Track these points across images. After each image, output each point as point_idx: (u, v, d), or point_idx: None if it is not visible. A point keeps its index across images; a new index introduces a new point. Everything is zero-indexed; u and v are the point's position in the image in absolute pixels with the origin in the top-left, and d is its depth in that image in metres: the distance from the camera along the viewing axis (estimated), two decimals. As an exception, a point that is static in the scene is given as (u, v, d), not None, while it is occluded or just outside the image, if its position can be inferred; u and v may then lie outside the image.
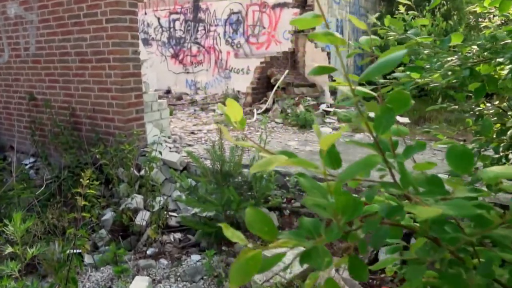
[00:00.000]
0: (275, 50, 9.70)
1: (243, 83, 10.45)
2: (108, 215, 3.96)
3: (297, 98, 7.39)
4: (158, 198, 3.94)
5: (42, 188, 3.80)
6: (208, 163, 4.64)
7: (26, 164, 5.72)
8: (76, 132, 5.06)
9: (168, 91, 12.10)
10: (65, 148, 4.85)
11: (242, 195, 3.95)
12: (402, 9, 3.26)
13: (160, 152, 4.22)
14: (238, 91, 10.44)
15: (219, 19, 11.05)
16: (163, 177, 4.47)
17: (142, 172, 4.44)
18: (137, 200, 3.89)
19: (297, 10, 9.47)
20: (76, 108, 5.16)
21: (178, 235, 3.82)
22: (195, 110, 9.11)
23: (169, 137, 5.34)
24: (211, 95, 10.76)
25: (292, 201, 4.07)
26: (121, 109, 4.69)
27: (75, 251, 2.98)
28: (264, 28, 10.25)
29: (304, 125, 6.39)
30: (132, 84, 4.73)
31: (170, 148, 5.02)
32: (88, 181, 2.44)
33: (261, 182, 3.77)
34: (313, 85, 8.35)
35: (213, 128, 6.49)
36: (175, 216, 4.02)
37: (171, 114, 5.41)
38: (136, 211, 3.93)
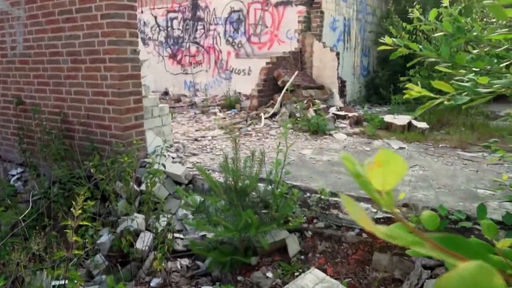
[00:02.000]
0: (278, 50, 9.24)
1: (244, 84, 10.01)
2: (105, 237, 3.46)
3: (305, 101, 6.92)
4: (162, 218, 3.45)
5: (29, 209, 3.29)
6: (216, 175, 4.16)
7: (13, 175, 5.20)
8: (68, 140, 4.56)
9: (166, 93, 11.62)
10: (55, 159, 4.34)
11: (257, 213, 3.48)
12: (445, 2, 2.78)
13: (164, 165, 3.72)
14: (239, 93, 9.96)
15: (219, 17, 10.57)
16: (166, 192, 3.97)
17: (143, 187, 3.94)
18: (138, 221, 3.39)
19: (301, 8, 8.99)
20: (68, 113, 4.65)
21: (185, 261, 3.33)
22: (195, 113, 8.62)
23: (171, 146, 4.84)
24: (211, 97, 10.26)
25: (314, 220, 3.59)
26: (119, 115, 4.19)
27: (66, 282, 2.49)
28: (266, 27, 9.78)
29: (316, 130, 5.91)
30: (131, 87, 4.23)
31: (173, 158, 4.52)
32: (80, 210, 1.94)
33: (281, 201, 3.29)
34: (321, 87, 7.88)
35: (217, 134, 6.00)
36: (182, 238, 3.52)
37: (171, 118, 4.96)
38: (137, 233, 3.43)
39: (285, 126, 3.43)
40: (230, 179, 3.18)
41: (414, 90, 1.53)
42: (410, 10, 6.76)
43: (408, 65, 3.80)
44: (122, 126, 4.20)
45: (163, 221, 3.47)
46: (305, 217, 3.50)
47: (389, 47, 2.65)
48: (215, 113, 8.39)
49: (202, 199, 3.94)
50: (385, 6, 11.14)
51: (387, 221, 3.36)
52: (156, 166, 3.72)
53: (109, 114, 4.25)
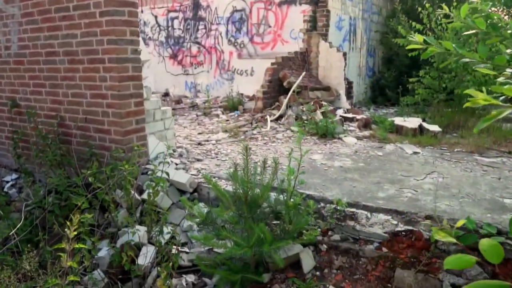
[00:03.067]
0: (281, 50, 9.00)
1: (247, 85, 9.79)
2: (104, 251, 3.21)
3: (312, 103, 6.67)
4: (165, 230, 3.19)
5: (22, 221, 3.03)
6: (222, 182, 3.91)
7: (7, 181, 4.94)
8: (65, 145, 4.30)
9: (166, 94, 11.38)
10: (51, 165, 4.09)
11: (268, 225, 3.23)
12: (476, -3, 2.52)
13: (167, 173, 3.47)
14: (242, 94, 9.71)
15: (221, 17, 10.34)
16: (169, 202, 3.72)
17: (145, 195, 3.69)
18: (140, 234, 3.14)
19: (306, 7, 8.74)
20: (65, 117, 4.40)
21: (191, 278, 3.08)
22: (197, 115, 8.37)
23: (174, 151, 4.59)
24: (213, 98, 10.01)
25: (329, 232, 3.34)
26: (119, 119, 3.94)
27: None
28: (269, 26, 9.55)
29: (324, 134, 5.66)
30: (132, 89, 3.98)
31: (176, 164, 4.27)
32: (75, 232, 1.69)
33: (294, 212, 3.04)
34: (327, 89, 7.63)
35: (221, 138, 5.74)
36: (187, 252, 3.27)
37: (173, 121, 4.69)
38: (138, 247, 3.18)
39: (300, 132, 3.16)
40: (240, 189, 2.93)
41: (479, 97, 1.28)
42: (420, 9, 6.50)
43: (440, 65, 3.55)
44: (122, 131, 3.95)
45: (166, 234, 3.22)
46: (319, 229, 3.25)
47: (418, 46, 2.40)
48: (217, 115, 8.15)
49: (208, 209, 3.69)
50: (390, 5, 10.91)
51: (409, 233, 3.12)
52: (158, 174, 3.47)
53: (109, 117, 4.00)
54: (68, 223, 1.85)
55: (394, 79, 9.88)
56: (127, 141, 3.99)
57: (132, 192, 3.56)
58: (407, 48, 2.43)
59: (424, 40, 2.28)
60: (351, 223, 3.29)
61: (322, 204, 3.42)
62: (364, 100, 9.85)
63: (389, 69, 10.06)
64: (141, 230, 3.19)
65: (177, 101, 10.31)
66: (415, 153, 4.93)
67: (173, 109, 9.60)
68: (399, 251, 3.06)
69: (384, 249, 3.08)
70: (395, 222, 3.16)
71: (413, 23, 6.98)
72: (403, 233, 3.11)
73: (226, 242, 2.83)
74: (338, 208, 3.33)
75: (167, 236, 3.25)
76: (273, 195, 3.18)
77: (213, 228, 2.99)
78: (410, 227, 3.11)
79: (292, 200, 3.18)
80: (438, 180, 3.89)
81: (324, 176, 4.01)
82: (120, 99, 3.89)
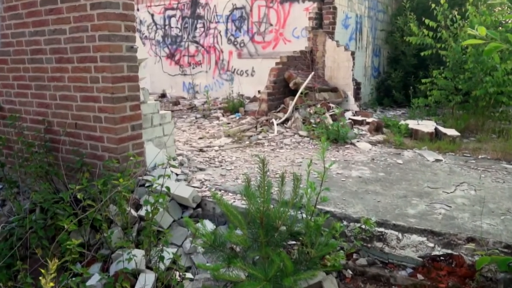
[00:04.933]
0: (283, 49, 8.59)
1: (247, 86, 9.38)
2: (95, 278, 2.77)
3: (319, 105, 6.26)
4: (166, 256, 2.76)
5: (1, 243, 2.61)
6: (229, 196, 3.49)
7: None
8: (54, 153, 3.86)
9: (163, 95, 10.94)
10: (37, 177, 3.64)
11: (284, 247, 2.83)
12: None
13: (168, 188, 3.04)
14: (242, 95, 9.27)
15: (220, 15, 9.91)
16: (170, 219, 3.29)
17: (142, 212, 3.26)
18: (136, 259, 2.70)
19: (309, 5, 8.33)
20: (53, 122, 3.96)
21: (196, 310, 2.65)
22: (196, 118, 7.94)
23: (174, 159, 4.16)
24: (212, 99, 9.58)
25: (354, 255, 2.92)
26: (112, 125, 3.50)
27: None
28: (271, 25, 9.14)
29: (336, 139, 5.25)
30: (127, 91, 3.55)
31: (177, 175, 3.84)
32: (52, 283, 1.27)
33: (317, 235, 2.62)
34: (335, 90, 7.22)
35: (224, 144, 5.31)
36: (191, 279, 2.84)
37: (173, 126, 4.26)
38: (134, 273, 2.75)
39: (324, 141, 2.74)
40: (253, 207, 2.50)
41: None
42: (433, 5, 6.09)
43: (467, 67, 3.16)
44: (117, 138, 3.51)
45: (167, 259, 2.79)
46: (342, 251, 2.83)
47: (478, 41, 1.99)
48: (217, 118, 7.72)
49: (215, 227, 3.27)
50: (396, 3, 10.52)
51: (448, 258, 2.71)
52: (158, 187, 3.04)
53: (101, 123, 3.56)
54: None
55: (400, 80, 9.50)
56: (121, 149, 3.55)
57: (128, 208, 3.13)
58: (463, 43, 2.01)
59: (487, 34, 1.86)
60: (379, 244, 2.88)
61: (345, 223, 3.00)
62: (370, 102, 9.45)
63: (396, 70, 9.67)
64: (138, 254, 2.76)
65: (174, 103, 9.88)
66: (437, 160, 4.52)
67: (171, 111, 9.17)
68: (438, 279, 2.64)
69: (420, 276, 2.67)
70: (431, 245, 2.75)
71: (426, 20, 6.58)
72: (441, 257, 2.70)
73: (240, 273, 2.40)
74: (364, 227, 2.91)
75: (168, 261, 2.83)
76: (290, 212, 2.75)
77: (222, 253, 2.57)
78: (449, 251, 2.70)
79: (312, 219, 2.77)
80: (471, 193, 3.48)
81: (343, 188, 3.59)
82: (113, 102, 3.45)
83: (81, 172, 3.62)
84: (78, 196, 2.85)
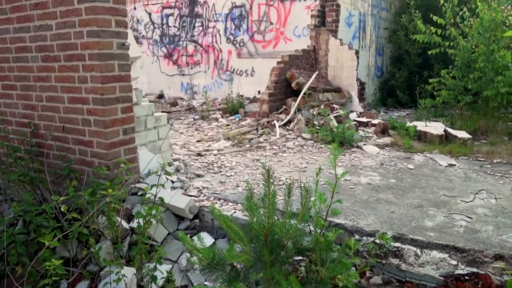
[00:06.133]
0: (284, 49, 8.33)
1: (247, 86, 9.14)
2: (81, 299, 2.50)
3: (322, 106, 5.99)
4: (159, 275, 2.49)
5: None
6: (229, 206, 3.21)
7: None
8: (40, 159, 3.58)
9: (161, 96, 10.69)
10: (21, 184, 3.37)
11: (289, 264, 2.56)
12: None
13: (162, 200, 2.76)
14: (242, 96, 9.01)
15: (219, 14, 9.65)
16: (165, 232, 3.01)
17: (134, 223, 2.98)
18: (126, 279, 2.43)
19: (310, 3, 8.07)
20: (39, 125, 3.68)
21: (193, 337, 2.38)
22: (194, 119, 7.66)
23: (169, 164, 3.88)
24: (211, 100, 9.31)
25: (367, 273, 2.65)
26: (102, 129, 3.22)
27: None
28: (271, 24, 8.89)
29: (341, 142, 4.97)
30: (118, 92, 3.27)
31: (172, 182, 3.56)
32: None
33: (327, 252, 2.35)
34: (338, 90, 6.95)
35: (223, 147, 5.04)
36: (187, 301, 2.57)
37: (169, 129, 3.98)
38: (124, 294, 2.47)
39: (336, 147, 2.47)
40: (256, 223, 2.23)
41: None
42: (442, 1, 5.81)
43: (477, 65, 2.88)
44: (107, 143, 3.23)
45: (161, 278, 2.51)
46: (354, 269, 2.56)
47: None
48: (216, 119, 7.45)
49: (214, 240, 3.00)
50: (399, 1, 10.26)
51: (473, 277, 2.43)
52: (151, 196, 2.77)
53: (90, 127, 3.29)
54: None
55: (404, 80, 9.23)
56: (112, 155, 3.27)
57: (118, 220, 2.86)
58: (504, 35, 1.74)
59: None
60: (395, 261, 2.60)
61: (357, 237, 2.73)
62: (373, 102, 9.18)
63: (399, 69, 9.40)
64: (128, 274, 2.48)
65: (172, 104, 9.63)
66: (450, 165, 4.25)
67: (168, 112, 8.91)
68: (462, 301, 2.37)
69: (442, 297, 2.40)
70: (454, 262, 2.47)
71: (434, 17, 6.30)
72: (465, 277, 2.43)
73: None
74: (379, 242, 2.64)
75: (161, 280, 2.55)
76: (293, 223, 2.48)
77: (222, 272, 2.30)
78: (474, 269, 2.43)
79: (322, 233, 2.49)
80: (491, 202, 3.21)
81: (352, 197, 3.31)
82: (103, 104, 3.17)
83: (68, 180, 3.35)
84: (62, 209, 2.58)
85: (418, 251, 2.57)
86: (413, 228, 2.74)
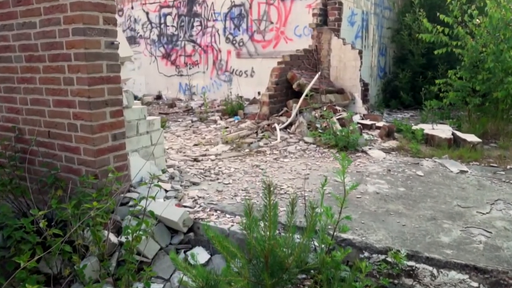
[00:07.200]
0: (285, 49, 8.10)
1: (247, 87, 8.91)
2: (62, 325, 2.25)
3: (324, 108, 5.75)
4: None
5: None
6: (227, 218, 2.97)
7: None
8: (25, 166, 3.34)
9: (159, 97, 10.46)
10: (3, 193, 3.12)
11: (293, 285, 2.32)
12: None
13: (152, 214, 2.52)
14: (241, 97, 8.77)
15: (218, 13, 9.43)
16: (156, 247, 2.77)
17: (122, 238, 2.74)
18: (112, 303, 2.19)
19: (311, 2, 7.84)
20: (24, 130, 3.44)
21: None
22: (192, 121, 7.43)
23: (163, 171, 3.64)
24: (210, 101, 9.07)
25: (379, 294, 2.41)
26: (89, 135, 2.98)
27: None
28: (271, 23, 8.65)
29: (345, 146, 4.73)
30: (106, 94, 3.03)
31: (166, 191, 3.32)
32: None
33: (335, 273, 2.11)
34: (341, 91, 6.71)
35: (221, 152, 4.80)
36: (179, 326, 2.33)
37: (163, 126, 3.73)
38: (110, 319, 2.23)
39: (344, 157, 2.24)
40: (256, 242, 1.99)
41: None
42: (449, 0, 5.56)
43: (486, 66, 2.65)
44: (95, 149, 2.99)
45: (151, 301, 2.27)
46: (363, 289, 2.31)
47: None
48: (215, 121, 7.21)
49: (209, 256, 2.76)
50: (402, 0, 10.02)
51: (496, 302, 2.19)
52: (142, 208, 2.53)
53: (77, 132, 3.05)
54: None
55: (408, 81, 8.99)
56: (100, 162, 3.03)
57: (106, 234, 2.62)
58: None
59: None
60: (409, 281, 2.37)
61: (366, 254, 2.49)
62: (376, 104, 8.94)
63: (403, 70, 9.16)
64: (114, 297, 2.24)
65: (170, 105, 9.40)
66: (461, 171, 4.01)
67: (166, 113, 8.67)
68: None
69: (461, 324, 2.16)
70: (475, 284, 2.23)
71: (441, 16, 6.07)
72: (488, 301, 2.19)
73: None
74: (390, 259, 2.40)
75: (151, 303, 2.31)
76: (296, 238, 2.24)
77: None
78: (497, 293, 2.19)
79: (328, 251, 2.26)
80: (510, 214, 2.97)
81: (360, 208, 3.07)
82: (90, 108, 2.93)
83: (56, 187, 3.10)
84: (41, 225, 2.33)
85: (435, 271, 2.33)
86: (428, 245, 2.50)
